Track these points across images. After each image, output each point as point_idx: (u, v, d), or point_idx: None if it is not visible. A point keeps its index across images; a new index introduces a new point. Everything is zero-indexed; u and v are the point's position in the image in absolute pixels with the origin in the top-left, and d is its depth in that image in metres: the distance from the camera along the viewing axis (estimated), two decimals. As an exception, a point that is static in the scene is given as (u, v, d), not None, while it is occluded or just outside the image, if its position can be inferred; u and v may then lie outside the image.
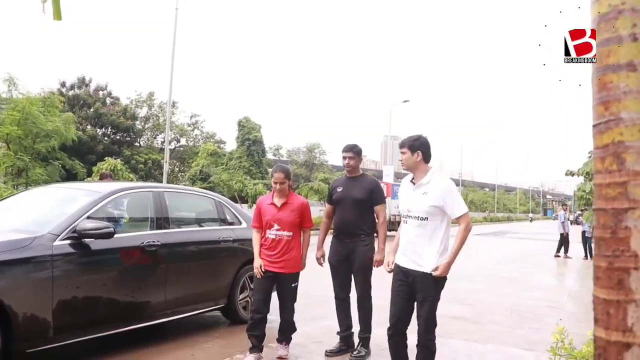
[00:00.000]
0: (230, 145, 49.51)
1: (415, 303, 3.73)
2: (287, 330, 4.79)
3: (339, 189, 5.08)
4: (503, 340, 5.87)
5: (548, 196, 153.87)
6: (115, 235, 4.49)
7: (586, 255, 17.51)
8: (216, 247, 5.73)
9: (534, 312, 7.67)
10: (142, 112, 47.59)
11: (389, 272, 3.89)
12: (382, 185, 5.36)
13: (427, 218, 3.66)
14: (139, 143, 46.65)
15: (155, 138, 48.83)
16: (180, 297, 5.20)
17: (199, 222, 6.20)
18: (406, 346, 3.86)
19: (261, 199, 4.89)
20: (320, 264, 5.13)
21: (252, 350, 4.59)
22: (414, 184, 3.81)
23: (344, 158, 5.07)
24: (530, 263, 15.53)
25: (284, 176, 4.64)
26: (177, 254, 5.22)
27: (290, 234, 4.62)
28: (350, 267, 4.95)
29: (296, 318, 4.77)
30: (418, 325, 3.71)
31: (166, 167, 24.34)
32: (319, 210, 29.03)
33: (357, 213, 4.93)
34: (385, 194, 5.16)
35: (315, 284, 6.83)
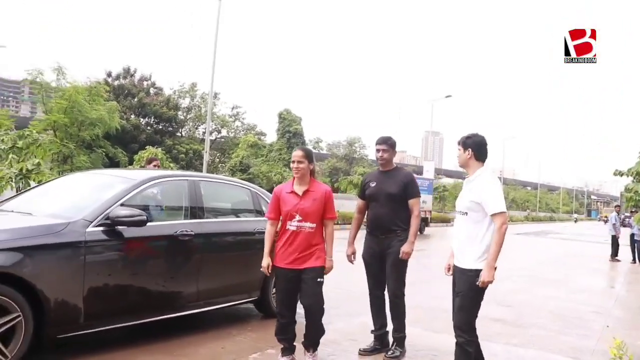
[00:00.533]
0: (271, 137, 49.71)
1: None
2: (314, 334, 4.29)
3: (372, 184, 4.89)
4: (546, 346, 5.59)
5: (593, 197, 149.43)
6: (149, 224, 4.43)
7: (634, 259, 16.77)
8: (251, 238, 5.62)
9: (579, 317, 7.32)
10: (185, 102, 48.14)
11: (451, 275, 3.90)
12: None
13: (466, 213, 3.74)
14: (181, 133, 47.18)
15: (196, 128, 49.30)
16: (213, 288, 5.13)
17: (235, 212, 6.12)
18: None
19: (279, 187, 4.42)
20: (351, 262, 4.91)
21: (284, 352, 4.30)
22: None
23: (378, 151, 4.87)
24: (574, 265, 14.99)
25: (302, 154, 4.22)
26: (211, 244, 5.14)
27: (314, 225, 4.18)
28: (385, 264, 4.75)
29: (330, 313, 4.44)
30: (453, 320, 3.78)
31: (206, 157, 24.55)
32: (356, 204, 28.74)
33: (391, 208, 4.74)
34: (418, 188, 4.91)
35: (353, 278, 6.67)
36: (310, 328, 4.26)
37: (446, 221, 36.18)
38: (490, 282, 3.58)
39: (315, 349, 4.33)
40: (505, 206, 3.68)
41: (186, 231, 4.84)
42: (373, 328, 4.96)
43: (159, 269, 4.67)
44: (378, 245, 4.78)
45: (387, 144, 4.85)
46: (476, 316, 3.78)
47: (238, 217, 6.07)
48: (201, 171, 26.16)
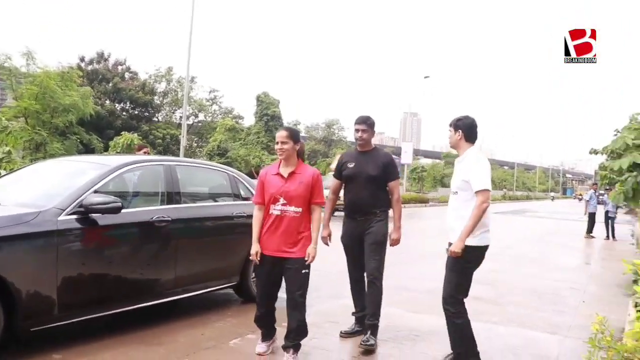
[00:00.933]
0: (249, 120, 49.55)
1: None
2: (296, 334, 4.02)
3: (350, 165, 4.74)
4: (525, 323, 5.66)
5: (568, 175, 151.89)
6: (124, 210, 4.33)
7: (608, 236, 17.14)
8: (229, 222, 5.57)
9: (556, 294, 7.44)
10: (161, 87, 47.64)
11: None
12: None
13: (456, 192, 3.90)
14: (157, 118, 46.71)
15: (173, 113, 48.90)
16: (191, 274, 5.06)
17: (212, 197, 6.05)
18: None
19: (265, 169, 4.24)
20: (327, 244, 4.82)
21: (264, 338, 4.26)
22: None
23: (357, 131, 4.72)
24: (550, 243, 15.23)
25: (286, 134, 4.04)
26: (189, 230, 5.06)
27: (299, 209, 3.96)
28: (363, 246, 4.66)
29: (312, 296, 4.26)
30: None
31: (183, 142, 24.28)
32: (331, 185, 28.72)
33: (371, 190, 4.63)
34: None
35: (331, 260, 6.65)
36: (293, 325, 4.01)
37: (424, 202, 36.37)
38: (457, 254, 3.72)
39: (296, 351, 4.06)
40: (490, 185, 3.77)
41: (163, 217, 4.74)
42: (354, 310, 4.95)
43: (135, 257, 4.57)
44: (357, 227, 4.68)
45: (367, 123, 4.71)
46: (464, 290, 3.93)
47: (216, 201, 5.99)
48: (178, 156, 25.89)
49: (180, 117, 44.10)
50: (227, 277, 5.54)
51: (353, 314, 4.95)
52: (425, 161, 77.11)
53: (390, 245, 4.67)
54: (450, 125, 4.02)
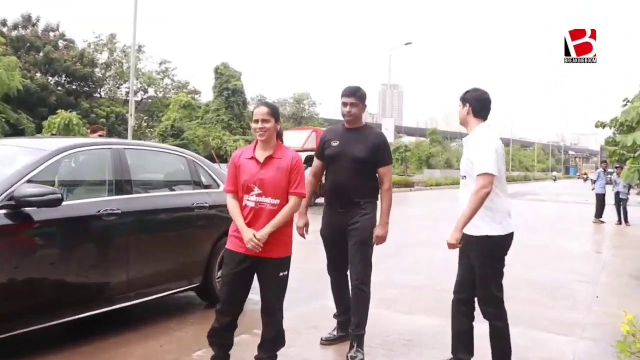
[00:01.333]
0: (207, 96, 49.12)
1: None
2: (272, 343, 3.93)
3: (334, 143, 4.59)
4: (533, 322, 5.71)
5: (570, 152, 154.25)
6: (64, 203, 4.22)
7: (619, 220, 17.42)
8: (189, 214, 5.54)
9: (565, 288, 7.55)
10: (103, 57, 46.93)
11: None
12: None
13: (465, 176, 3.98)
14: (100, 94, 46.07)
15: (118, 88, 48.25)
16: (146, 276, 5.00)
17: (169, 185, 6.01)
18: (468, 319, 4.13)
19: (238, 152, 4.04)
20: (302, 235, 4.70)
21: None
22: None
23: (344, 104, 4.55)
24: (555, 229, 15.47)
25: (268, 110, 3.84)
26: (142, 224, 4.99)
27: (277, 202, 3.78)
28: (347, 242, 4.55)
29: (288, 297, 4.14)
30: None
31: (131, 122, 23.92)
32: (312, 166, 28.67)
33: (355, 175, 4.49)
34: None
35: (309, 255, 6.62)
36: (269, 334, 3.92)
37: (409, 185, 36.58)
38: (454, 246, 3.77)
39: None
40: (495, 169, 3.74)
41: (111, 210, 4.66)
42: (335, 312, 4.93)
43: (80, 257, 4.47)
44: (338, 220, 4.57)
45: (356, 95, 4.55)
46: (501, 287, 4.00)
47: (173, 190, 5.95)
48: (126, 138, 25.49)
49: (127, 92, 43.54)
50: (188, 278, 5.50)
51: (334, 316, 4.93)
52: (408, 139, 77.69)
53: (375, 244, 4.54)
54: (460, 99, 4.09)
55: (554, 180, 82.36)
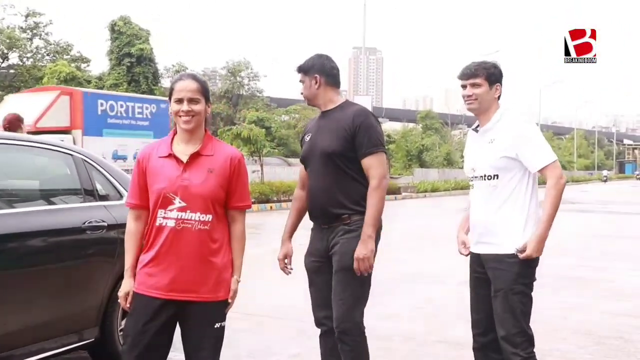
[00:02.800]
0: (99, 65, 48.74)
1: None
2: None
3: (307, 137, 4.80)
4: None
5: (626, 142, 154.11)
6: None
7: None
8: (78, 238, 5.49)
9: (623, 337, 7.55)
10: None
11: (466, 255, 4.40)
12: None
13: (496, 176, 4.20)
14: None
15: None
16: (13, 331, 4.88)
17: (46, 196, 5.93)
18: None
19: (146, 149, 3.91)
20: (284, 270, 4.82)
21: None
22: (477, 131, 4.34)
23: (301, 81, 4.71)
24: (607, 253, 15.39)
25: (197, 86, 3.73)
26: (6, 255, 4.87)
27: (208, 218, 3.67)
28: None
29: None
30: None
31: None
32: (254, 177, 28.53)
33: (328, 177, 4.54)
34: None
35: (290, 292, 6.54)
36: None
37: (394, 193, 36.89)
38: (536, 257, 4.07)
39: None
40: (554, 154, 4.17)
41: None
42: None
43: None
44: (322, 241, 4.63)
45: (303, 69, 4.70)
46: (529, 318, 4.20)
47: (52, 203, 5.83)
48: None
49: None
50: (78, 332, 5.46)
51: None
52: (392, 125, 78.07)
53: (355, 269, 4.42)
54: (477, 75, 4.27)
55: (604, 181, 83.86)
